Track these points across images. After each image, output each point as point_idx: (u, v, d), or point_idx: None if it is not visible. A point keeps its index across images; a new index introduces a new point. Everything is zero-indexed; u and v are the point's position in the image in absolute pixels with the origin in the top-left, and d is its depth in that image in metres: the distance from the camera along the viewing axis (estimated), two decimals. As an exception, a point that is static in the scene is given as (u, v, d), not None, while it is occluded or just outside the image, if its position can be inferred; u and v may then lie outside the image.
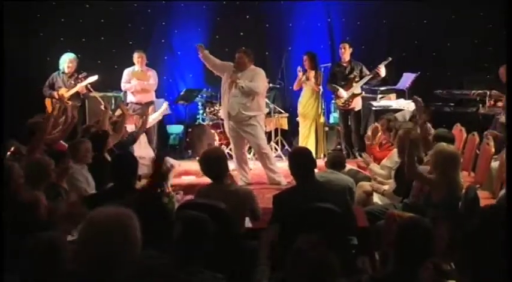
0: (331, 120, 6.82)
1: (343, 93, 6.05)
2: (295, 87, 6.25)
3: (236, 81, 4.59)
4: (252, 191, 2.99)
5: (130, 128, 4.96)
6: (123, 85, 6.34)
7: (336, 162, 3.70)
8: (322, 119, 6.17)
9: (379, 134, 4.76)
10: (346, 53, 6.11)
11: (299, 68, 6.13)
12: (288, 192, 2.84)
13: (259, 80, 4.68)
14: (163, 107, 5.64)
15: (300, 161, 2.83)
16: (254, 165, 5.43)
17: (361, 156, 4.92)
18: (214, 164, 2.89)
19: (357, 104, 6.15)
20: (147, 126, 5.20)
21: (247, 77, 4.66)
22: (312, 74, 6.13)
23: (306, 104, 6.18)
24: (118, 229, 1.52)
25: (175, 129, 7.24)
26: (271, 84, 6.12)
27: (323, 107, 6.23)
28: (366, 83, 6.13)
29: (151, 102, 6.33)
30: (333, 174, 3.58)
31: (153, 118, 5.55)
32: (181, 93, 6.80)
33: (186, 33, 7.31)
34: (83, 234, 1.54)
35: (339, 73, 6.15)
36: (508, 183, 2.59)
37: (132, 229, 1.56)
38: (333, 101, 6.59)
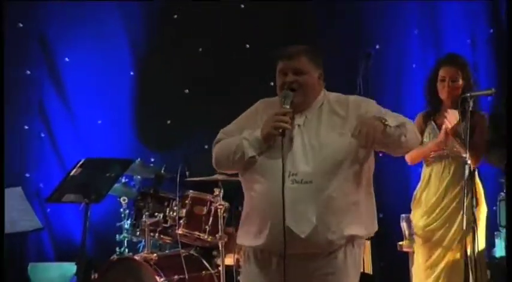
0: (500, 250, 6.75)
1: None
2: (414, 157, 6.08)
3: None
4: None
5: None
6: None
7: None
8: (480, 245, 5.90)
9: None
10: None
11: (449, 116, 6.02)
12: None
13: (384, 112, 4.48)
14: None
15: None
16: None
17: None
18: None
19: None
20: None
21: (328, 121, 4.44)
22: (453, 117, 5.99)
23: (442, 205, 6.05)
24: None
25: (54, 273, 7.33)
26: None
27: (485, 214, 6.08)
28: None
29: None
30: None
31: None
32: (73, 172, 6.23)
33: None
34: None
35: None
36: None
37: None
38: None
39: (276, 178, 4.24)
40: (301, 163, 4.26)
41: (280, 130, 4.18)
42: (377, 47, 7.47)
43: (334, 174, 4.22)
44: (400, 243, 6.23)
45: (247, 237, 4.41)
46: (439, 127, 5.97)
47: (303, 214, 4.22)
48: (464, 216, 5.63)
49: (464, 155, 5.77)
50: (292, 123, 4.31)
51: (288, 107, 4.24)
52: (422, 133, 5.92)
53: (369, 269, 6.58)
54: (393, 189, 6.87)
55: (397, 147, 4.35)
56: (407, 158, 6.09)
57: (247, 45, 7.43)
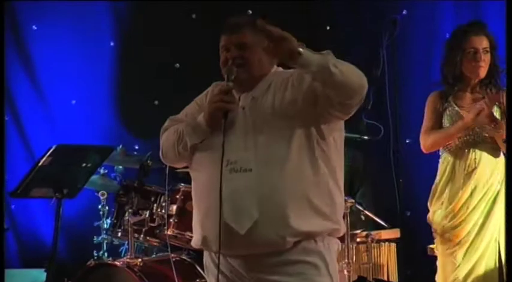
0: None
1: None
2: (432, 144, 6.27)
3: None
4: None
5: None
6: None
7: None
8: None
9: None
10: None
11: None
12: None
13: None
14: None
15: None
16: None
17: None
18: None
19: None
20: None
21: (275, 101, 4.52)
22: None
23: (470, 203, 6.13)
24: None
25: (20, 281, 7.65)
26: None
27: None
28: None
29: None
30: None
31: None
32: (42, 162, 6.32)
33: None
34: None
35: None
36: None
37: None
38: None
39: (212, 168, 4.35)
40: (240, 150, 4.34)
41: (223, 111, 4.32)
42: (404, 12, 7.62)
43: (280, 160, 4.30)
44: (431, 246, 6.30)
45: (193, 238, 4.53)
46: (462, 109, 6.07)
47: (242, 207, 4.30)
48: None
49: (501, 139, 5.85)
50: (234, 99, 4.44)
51: (231, 84, 4.36)
52: (439, 116, 6.07)
53: (394, 277, 6.65)
54: (423, 183, 6.83)
55: (334, 85, 4.20)
56: (423, 144, 6.22)
57: (250, 11, 7.34)
